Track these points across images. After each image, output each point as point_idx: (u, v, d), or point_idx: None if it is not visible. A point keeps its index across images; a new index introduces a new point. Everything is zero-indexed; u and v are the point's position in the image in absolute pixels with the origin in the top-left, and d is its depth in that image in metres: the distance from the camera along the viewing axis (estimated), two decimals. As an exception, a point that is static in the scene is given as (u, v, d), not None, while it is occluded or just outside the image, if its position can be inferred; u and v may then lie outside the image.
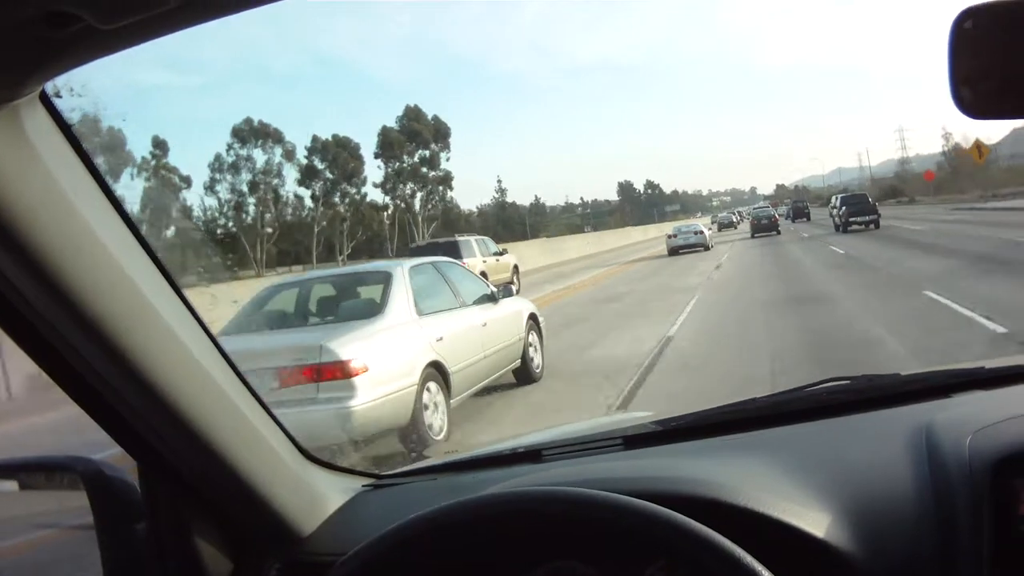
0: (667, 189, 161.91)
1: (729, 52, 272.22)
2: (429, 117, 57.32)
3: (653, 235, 49.80)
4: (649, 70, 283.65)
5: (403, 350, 4.38)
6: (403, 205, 55.30)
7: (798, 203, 52.89)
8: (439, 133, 57.06)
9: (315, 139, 51.30)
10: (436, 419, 4.51)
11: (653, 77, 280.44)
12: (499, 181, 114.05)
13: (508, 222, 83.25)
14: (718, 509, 0.82)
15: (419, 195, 56.29)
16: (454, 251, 9.98)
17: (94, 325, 0.74)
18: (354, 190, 52.18)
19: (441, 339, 4.72)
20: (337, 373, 3.92)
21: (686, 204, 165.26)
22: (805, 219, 44.84)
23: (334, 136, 52.60)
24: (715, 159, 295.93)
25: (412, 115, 57.55)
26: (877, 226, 24.75)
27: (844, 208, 26.45)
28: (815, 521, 0.82)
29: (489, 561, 0.83)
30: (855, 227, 25.11)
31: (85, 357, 0.78)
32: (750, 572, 0.68)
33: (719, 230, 44.53)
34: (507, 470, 1.11)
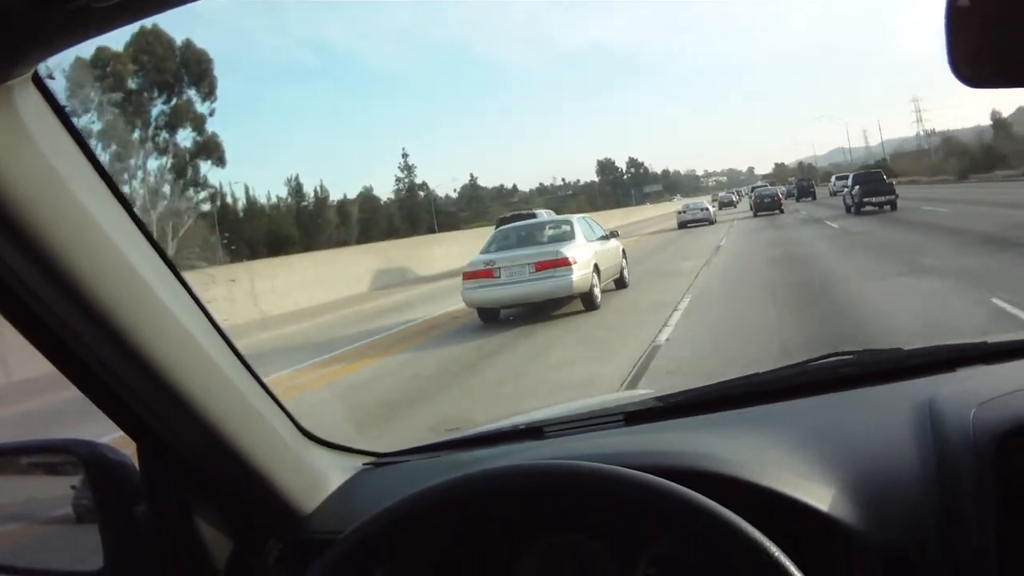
0: (658, 168, 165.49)
1: (725, 33, 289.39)
2: (178, 43, 37.98)
3: (615, 223, 42.32)
4: (641, 51, 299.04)
5: (585, 255, 10.99)
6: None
7: (803, 181, 60.46)
8: (190, 70, 38.55)
9: None
10: (596, 292, 11.10)
11: (645, 58, 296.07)
12: (404, 156, 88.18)
13: (413, 211, 72.66)
14: (721, 482, 0.96)
15: (168, 175, 38.08)
16: (532, 217, 17.34)
17: (92, 307, 0.85)
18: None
19: (596, 252, 11.43)
20: (564, 264, 10.53)
21: (674, 184, 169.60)
22: (810, 198, 51.53)
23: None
24: (710, 139, 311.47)
25: (143, 42, 36.56)
26: (894, 207, 25.37)
27: (857, 187, 27.19)
28: (819, 494, 0.95)
29: (492, 535, 1.01)
30: (870, 208, 25.85)
31: (83, 339, 0.90)
32: (756, 545, 0.80)
33: (720, 208, 51.85)
34: (508, 447, 1.31)
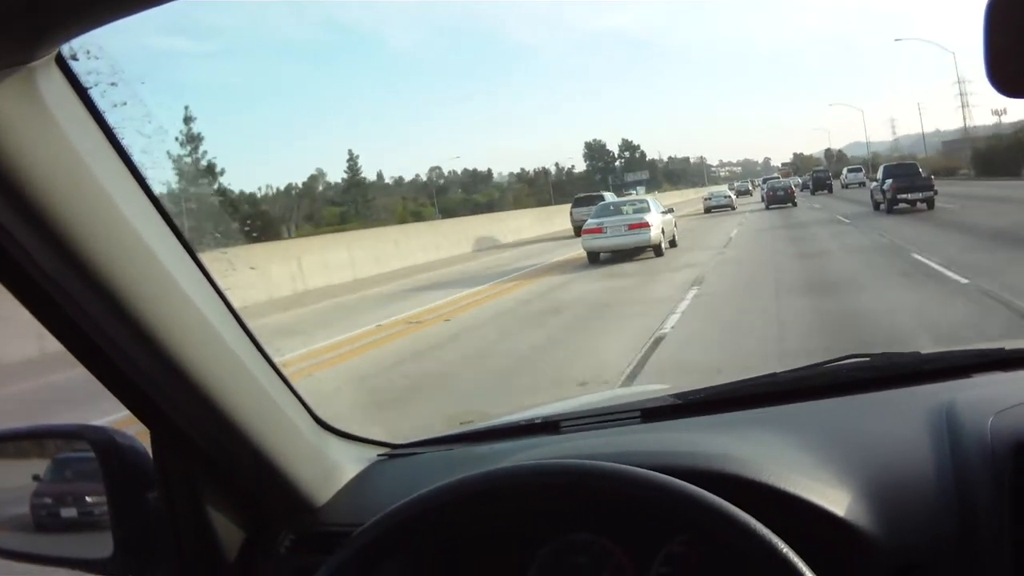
0: (665, 155, 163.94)
1: (746, 19, 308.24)
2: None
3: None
4: (660, 38, 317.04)
5: (657, 221, 22.38)
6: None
7: (819, 173, 71.29)
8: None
9: None
10: (663, 245, 22.44)
11: (658, 43, 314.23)
12: (187, 120, 74.56)
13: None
14: (737, 484, 1.15)
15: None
16: (601, 199, 30.52)
17: (107, 290, 1.00)
18: None
19: (662, 220, 22.95)
20: (646, 225, 21.91)
21: (678, 173, 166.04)
22: (827, 191, 61.65)
23: None
24: (725, 128, 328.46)
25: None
26: (931, 205, 26.88)
27: (889, 181, 28.40)
28: (836, 499, 1.14)
29: (508, 532, 1.24)
30: (904, 205, 27.32)
31: (98, 322, 1.06)
32: (771, 548, 0.95)
33: (737, 196, 64.07)
34: (524, 441, 1.56)
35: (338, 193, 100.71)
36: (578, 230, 28.91)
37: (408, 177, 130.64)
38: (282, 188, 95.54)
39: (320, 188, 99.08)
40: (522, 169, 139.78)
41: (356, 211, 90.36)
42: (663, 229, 22.61)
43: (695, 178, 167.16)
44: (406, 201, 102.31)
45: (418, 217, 74.36)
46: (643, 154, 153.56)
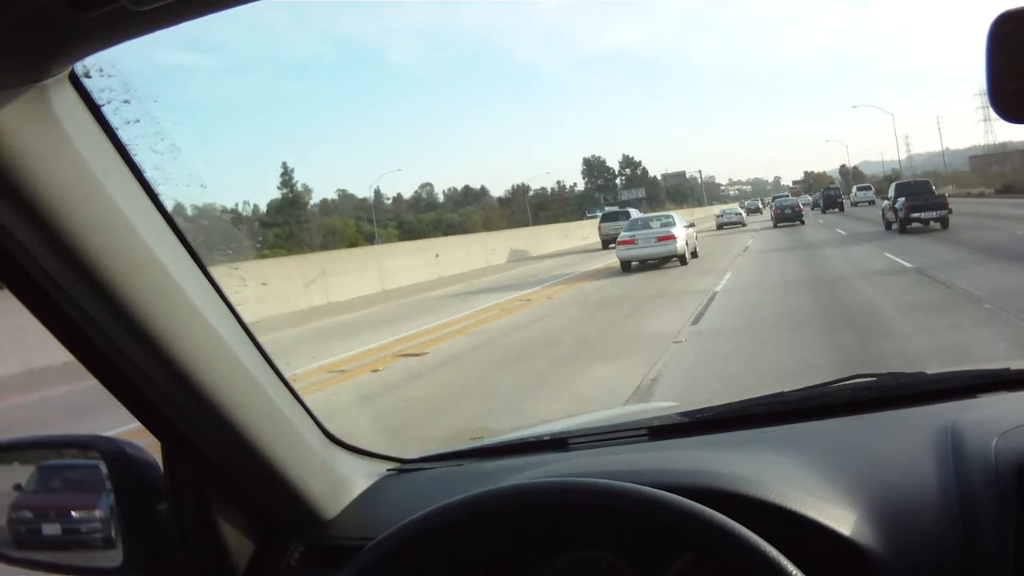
0: (670, 171, 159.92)
1: (756, 36, 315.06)
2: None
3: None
4: (667, 58, 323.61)
5: (682, 234, 26.46)
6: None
7: (830, 191, 72.50)
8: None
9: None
10: (687, 255, 26.37)
11: (670, 66, 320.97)
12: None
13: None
14: (745, 503, 1.20)
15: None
16: (626, 215, 35.35)
17: (121, 304, 1.06)
18: None
19: (686, 233, 27.09)
20: (672, 238, 25.89)
21: (683, 190, 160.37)
22: (837, 209, 61.72)
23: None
24: (736, 147, 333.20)
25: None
26: (945, 225, 27.11)
27: (901, 199, 28.44)
28: (841, 518, 1.19)
29: (517, 549, 1.28)
30: (917, 225, 27.36)
31: (110, 336, 1.12)
32: (778, 567, 1.00)
33: (747, 214, 68.14)
34: (532, 458, 1.62)
35: (271, 213, 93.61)
36: (606, 243, 34.07)
37: (407, 195, 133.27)
38: (262, 206, 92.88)
39: (309, 205, 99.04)
40: (515, 186, 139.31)
41: (291, 233, 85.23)
42: (687, 241, 26.66)
43: (701, 196, 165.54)
44: (360, 222, 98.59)
45: (372, 241, 70.46)
46: (645, 171, 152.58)
